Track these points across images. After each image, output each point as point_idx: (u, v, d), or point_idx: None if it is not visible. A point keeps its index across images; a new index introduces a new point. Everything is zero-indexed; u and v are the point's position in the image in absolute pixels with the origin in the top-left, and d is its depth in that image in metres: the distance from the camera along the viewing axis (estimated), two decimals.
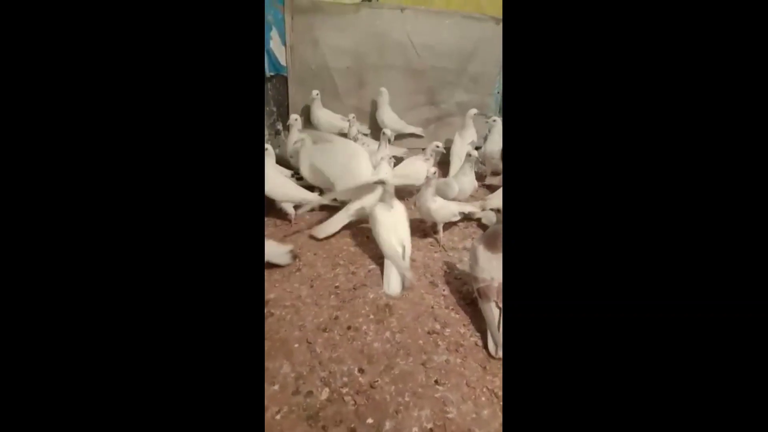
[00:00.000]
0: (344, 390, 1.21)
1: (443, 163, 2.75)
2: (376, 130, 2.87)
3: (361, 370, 1.29)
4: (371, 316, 1.53)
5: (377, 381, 1.25)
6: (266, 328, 1.44)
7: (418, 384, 1.24)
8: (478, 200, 2.35)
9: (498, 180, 2.77)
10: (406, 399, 1.19)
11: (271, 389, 1.20)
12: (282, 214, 2.22)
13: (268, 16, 2.61)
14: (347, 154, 2.31)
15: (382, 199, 1.90)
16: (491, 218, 2.06)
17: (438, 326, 1.50)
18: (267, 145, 2.25)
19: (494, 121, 2.80)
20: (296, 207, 2.20)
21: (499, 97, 3.22)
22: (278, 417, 1.12)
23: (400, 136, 2.97)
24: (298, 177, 2.44)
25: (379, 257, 1.87)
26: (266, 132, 2.84)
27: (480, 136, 2.86)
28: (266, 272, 1.73)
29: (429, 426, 1.12)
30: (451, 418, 1.14)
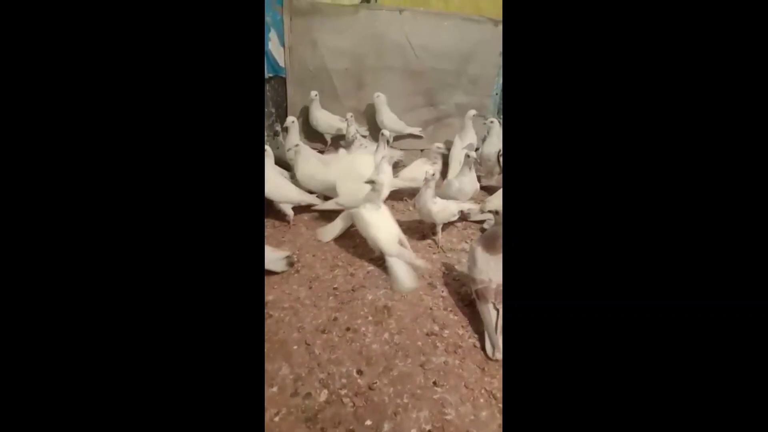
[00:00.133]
0: (343, 391, 1.21)
1: (443, 164, 2.74)
2: (375, 131, 2.86)
3: (359, 372, 1.29)
4: (370, 318, 1.54)
5: (376, 382, 1.25)
6: (265, 330, 1.44)
7: (417, 385, 1.25)
8: (477, 202, 2.35)
9: (495, 181, 2.77)
10: (405, 400, 1.19)
11: (269, 391, 1.20)
12: (280, 215, 2.22)
13: (267, 18, 2.61)
14: (350, 160, 2.31)
15: (368, 199, 1.86)
16: (491, 223, 2.06)
17: (436, 328, 1.50)
18: (266, 146, 2.25)
19: (492, 122, 2.80)
20: (294, 208, 2.19)
21: (498, 98, 3.23)
22: (277, 419, 1.12)
23: (398, 137, 2.97)
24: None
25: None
26: (265, 133, 2.84)
27: (479, 137, 2.86)
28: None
29: (427, 427, 1.12)
30: (449, 420, 1.14)
